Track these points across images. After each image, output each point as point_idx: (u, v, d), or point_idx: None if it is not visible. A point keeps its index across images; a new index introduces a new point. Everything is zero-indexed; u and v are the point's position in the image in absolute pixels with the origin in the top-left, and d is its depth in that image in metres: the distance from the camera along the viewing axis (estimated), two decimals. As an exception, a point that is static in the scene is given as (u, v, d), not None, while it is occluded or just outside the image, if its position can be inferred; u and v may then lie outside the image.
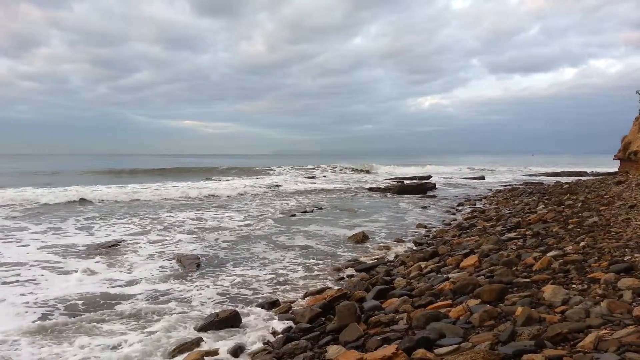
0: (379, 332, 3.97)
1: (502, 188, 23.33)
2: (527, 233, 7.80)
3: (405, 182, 26.57)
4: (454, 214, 14.13)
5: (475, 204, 16.26)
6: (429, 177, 30.28)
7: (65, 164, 57.05)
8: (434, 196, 20.15)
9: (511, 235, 7.96)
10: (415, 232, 11.04)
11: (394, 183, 26.65)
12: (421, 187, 22.24)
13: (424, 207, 15.96)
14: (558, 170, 40.37)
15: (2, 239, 9.84)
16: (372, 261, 7.78)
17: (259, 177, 33.80)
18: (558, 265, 4.96)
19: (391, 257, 8.15)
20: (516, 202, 14.78)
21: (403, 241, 9.77)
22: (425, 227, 11.62)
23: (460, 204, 16.81)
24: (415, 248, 8.75)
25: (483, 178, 33.57)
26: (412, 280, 5.83)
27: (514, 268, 5.25)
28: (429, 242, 9.22)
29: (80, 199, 16.72)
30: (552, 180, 28.17)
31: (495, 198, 17.59)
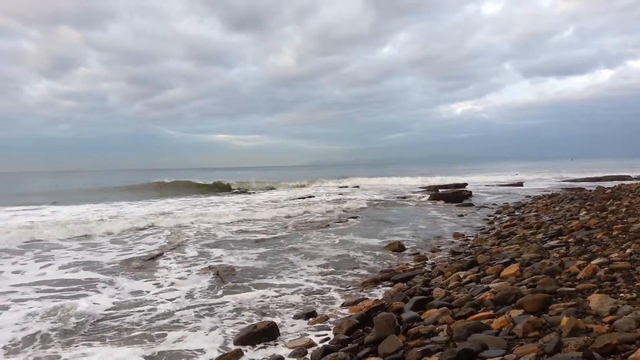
0: (419, 343, 3.91)
1: (541, 194, 22.71)
2: (569, 240, 7.55)
3: (440, 190, 26.18)
4: (491, 222, 13.83)
5: (514, 212, 15.86)
6: (464, 185, 29.76)
7: (106, 179, 58.86)
8: (470, 204, 19.80)
9: (553, 243, 7.72)
10: (452, 241, 10.86)
11: (428, 192, 26.31)
12: (457, 195, 21.89)
13: (461, 216, 15.69)
14: (599, 175, 38.96)
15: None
16: (408, 271, 7.69)
17: (292, 188, 34.01)
18: (604, 273, 4.77)
19: (428, 267, 8.03)
20: (557, 208, 14.35)
21: (440, 250, 9.63)
22: (463, 236, 11.42)
23: (498, 212, 16.45)
24: (452, 257, 8.60)
25: (521, 185, 32.75)
26: (451, 291, 5.72)
27: (557, 277, 5.09)
28: (466, 251, 9.05)
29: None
30: (594, 185, 27.20)
31: (535, 205, 17.11)
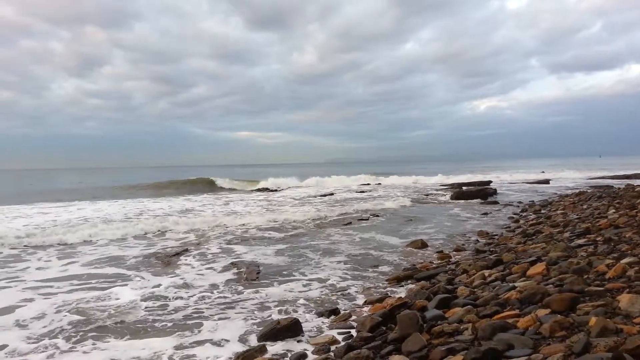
0: (443, 342, 3.88)
1: (568, 192, 22.26)
2: (597, 239, 7.39)
3: (464, 188, 25.88)
4: (517, 220, 13.61)
5: (540, 210, 15.58)
6: (489, 182, 29.36)
7: (132, 177, 59.88)
8: (495, 202, 19.52)
9: (581, 241, 7.56)
10: (477, 239, 10.73)
11: (452, 189, 26.04)
12: (481, 193, 21.61)
13: (485, 214, 15.49)
14: (629, 172, 37.94)
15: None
16: (432, 269, 7.63)
17: (314, 186, 34.06)
18: (634, 272, 4.66)
19: (452, 265, 7.96)
20: (584, 206, 14.04)
21: (464, 249, 9.53)
22: (487, 234, 11.28)
23: (523, 210, 16.18)
24: (477, 256, 8.50)
25: (547, 182, 32.14)
26: (475, 289, 5.66)
27: (585, 276, 4.99)
28: (491, 249, 8.93)
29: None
30: (623, 183, 26.50)
31: (562, 203, 16.78)
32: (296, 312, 5.92)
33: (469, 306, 4.73)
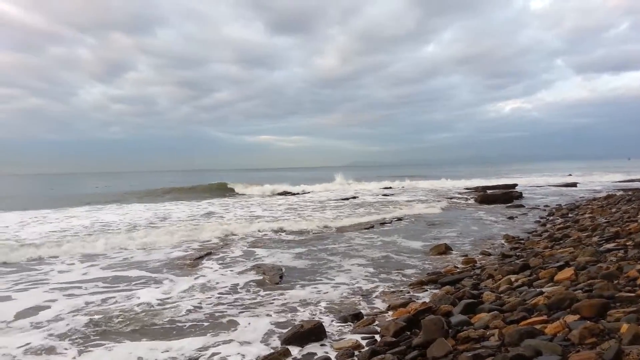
0: (469, 348, 3.83)
1: (596, 195, 21.75)
2: (627, 243, 7.20)
3: (488, 191, 25.53)
4: (544, 224, 13.36)
5: (567, 213, 15.26)
6: (514, 185, 28.89)
7: (156, 181, 60.80)
8: (520, 205, 19.20)
9: (610, 246, 7.38)
10: (502, 243, 10.57)
11: (476, 193, 25.71)
12: (506, 196, 21.28)
13: (510, 218, 15.25)
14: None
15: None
16: (456, 274, 7.54)
17: (336, 190, 34.02)
18: (667, 278, 4.53)
19: (477, 270, 7.85)
20: (613, 210, 13.70)
21: (489, 253, 9.39)
22: (513, 238, 11.09)
23: (550, 214, 15.88)
24: (503, 260, 8.37)
25: (574, 185, 31.49)
26: (501, 295, 5.57)
27: (616, 282, 4.86)
28: (517, 254, 8.77)
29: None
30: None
31: (590, 206, 16.41)
32: (319, 315, 5.91)
33: (495, 312, 4.66)
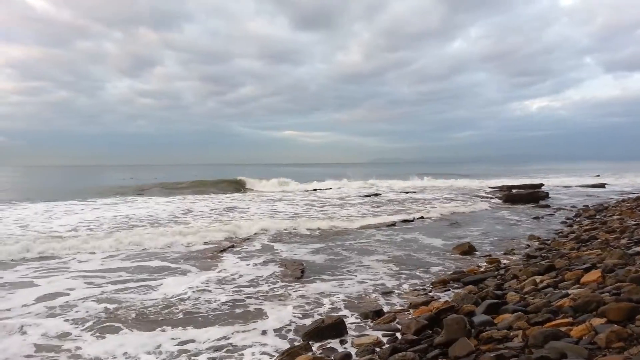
0: (492, 348, 3.78)
1: (625, 197, 21.19)
2: (659, 247, 7.01)
3: (514, 190, 25.11)
4: (570, 225, 13.09)
5: (595, 215, 14.91)
6: (540, 185, 28.36)
7: (180, 174, 61.59)
8: (547, 206, 18.85)
9: (639, 248, 7.20)
10: (527, 244, 10.39)
11: (500, 192, 25.33)
12: (532, 196, 20.91)
13: (536, 218, 14.99)
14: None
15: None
16: (480, 274, 7.45)
17: (358, 187, 33.91)
18: (700, 283, 4.39)
19: (501, 270, 7.74)
20: (644, 212, 13.33)
21: (513, 253, 9.25)
22: (539, 239, 10.89)
23: (577, 215, 15.55)
24: (527, 261, 8.23)
25: (603, 186, 30.73)
26: (526, 296, 5.48)
27: (645, 285, 4.74)
28: (543, 255, 8.62)
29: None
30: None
31: (618, 208, 15.99)
32: (339, 311, 5.93)
33: (519, 312, 4.59)
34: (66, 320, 5.62)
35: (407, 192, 27.41)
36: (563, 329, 3.80)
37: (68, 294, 6.76)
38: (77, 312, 5.95)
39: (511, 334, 4.03)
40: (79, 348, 4.83)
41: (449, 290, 6.75)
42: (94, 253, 9.72)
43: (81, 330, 5.33)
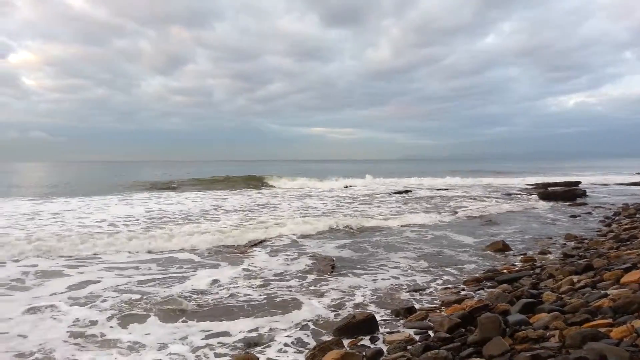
0: (527, 348, 3.71)
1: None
2: None
3: (549, 188, 24.47)
4: (609, 224, 12.67)
5: (634, 214, 14.39)
6: (577, 183, 27.54)
7: (213, 170, 62.50)
8: (584, 204, 18.31)
9: (683, 249, 6.92)
10: (564, 243, 10.12)
11: (536, 190, 24.74)
12: (569, 194, 20.34)
13: (573, 216, 14.57)
14: None
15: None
16: (514, 272, 7.31)
17: (387, 184, 33.64)
18: None
19: (537, 269, 7.57)
20: (688, 211, 12.80)
21: (549, 252, 9.03)
22: (576, 237, 10.59)
23: (616, 213, 15.03)
24: (564, 260, 8.03)
25: (643, 184, 29.64)
26: (563, 295, 5.35)
27: (691, 287, 4.56)
28: (580, 254, 8.38)
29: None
30: None
31: (661, 207, 15.41)
32: (370, 307, 5.92)
33: (555, 312, 4.49)
34: (98, 310, 5.80)
35: (439, 189, 27.07)
36: (602, 330, 3.69)
37: (99, 282, 7.06)
38: (101, 301, 6.15)
39: (547, 334, 3.94)
40: (113, 338, 4.98)
41: (482, 288, 6.65)
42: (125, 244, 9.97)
43: (112, 319, 5.49)
